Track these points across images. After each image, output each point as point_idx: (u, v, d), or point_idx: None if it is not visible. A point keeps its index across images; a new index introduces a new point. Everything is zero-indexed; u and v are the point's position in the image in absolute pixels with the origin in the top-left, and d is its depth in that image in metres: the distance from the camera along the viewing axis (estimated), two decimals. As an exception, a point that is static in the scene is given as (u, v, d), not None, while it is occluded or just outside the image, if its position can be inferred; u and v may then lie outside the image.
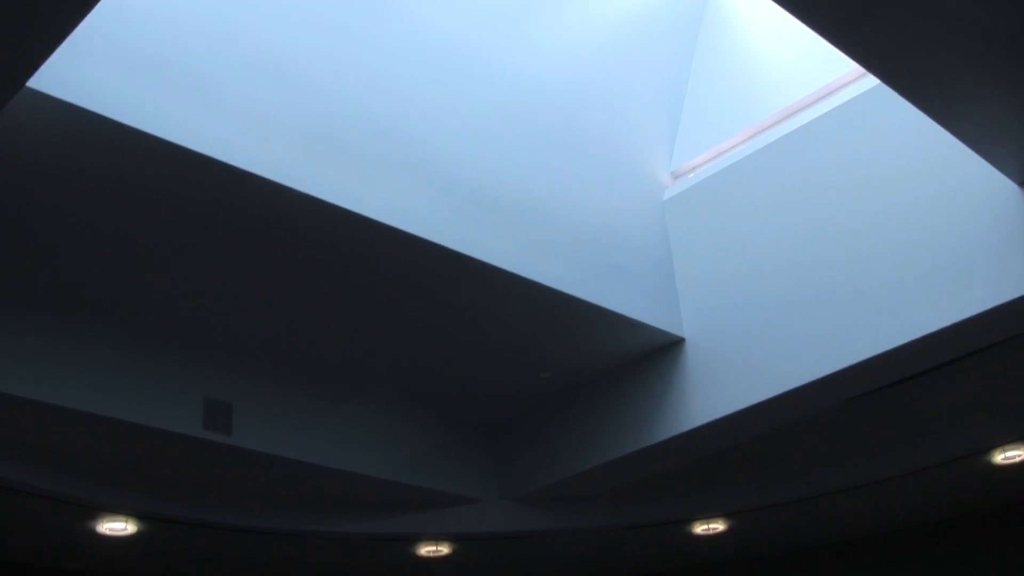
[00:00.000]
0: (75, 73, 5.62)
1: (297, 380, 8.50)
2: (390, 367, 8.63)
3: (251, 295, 7.53)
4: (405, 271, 7.40)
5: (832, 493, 9.40)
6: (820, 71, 8.13)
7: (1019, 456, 8.89)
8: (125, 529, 8.79)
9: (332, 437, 8.62)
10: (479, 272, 7.39)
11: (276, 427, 8.30)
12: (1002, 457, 8.89)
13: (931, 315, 6.95)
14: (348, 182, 6.73)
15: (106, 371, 7.50)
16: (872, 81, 7.41)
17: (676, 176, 8.90)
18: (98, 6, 5.02)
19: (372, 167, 6.89)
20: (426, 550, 9.71)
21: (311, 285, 7.48)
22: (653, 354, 8.53)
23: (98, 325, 7.48)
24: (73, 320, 7.34)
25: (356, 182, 6.77)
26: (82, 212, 6.46)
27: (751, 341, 7.95)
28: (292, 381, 8.48)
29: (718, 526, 9.90)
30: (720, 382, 8.07)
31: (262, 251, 7.05)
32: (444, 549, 9.72)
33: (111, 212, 6.49)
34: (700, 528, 9.91)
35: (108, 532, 8.82)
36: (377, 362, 8.55)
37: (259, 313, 7.74)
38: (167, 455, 8.12)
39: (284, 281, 7.42)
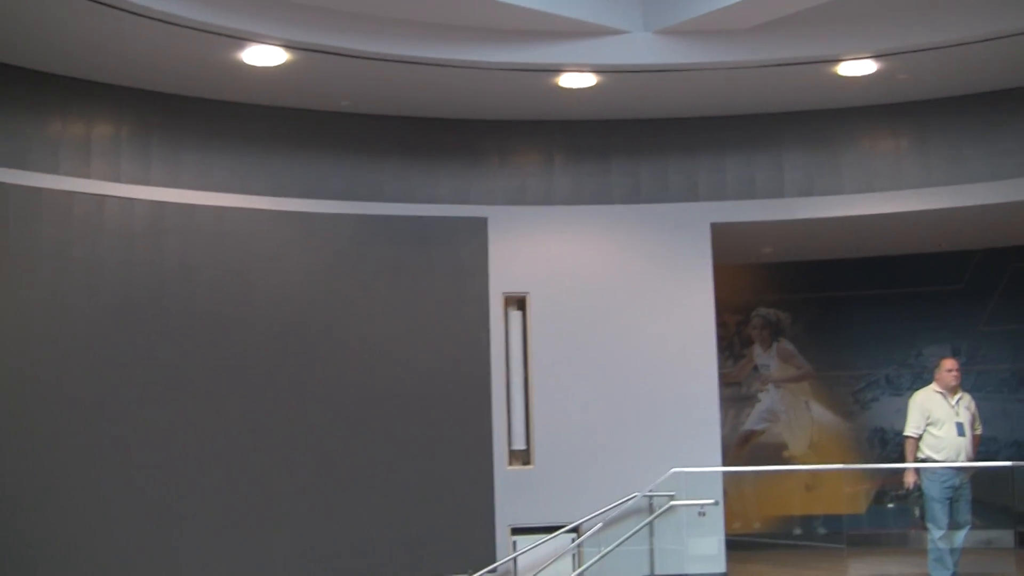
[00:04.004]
0: None
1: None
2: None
3: None
4: None
5: (989, 39, 9.08)
6: None
7: None
8: (274, 59, 8.99)
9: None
10: None
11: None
12: None
13: None
14: None
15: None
16: None
17: None
18: None
19: None
20: (570, 81, 9.76)
21: None
22: None
23: None
24: None
25: None
26: None
27: None
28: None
29: (866, 67, 9.69)
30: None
31: None
32: (588, 81, 9.75)
33: None
34: (847, 68, 9.72)
35: (257, 63, 9.04)
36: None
37: None
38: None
39: None
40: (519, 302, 10.81)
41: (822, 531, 13.14)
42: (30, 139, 9.13)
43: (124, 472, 9.23)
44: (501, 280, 10.70)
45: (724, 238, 11.03)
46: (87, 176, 9.36)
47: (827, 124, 10.90)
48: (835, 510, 12.87)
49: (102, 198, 9.40)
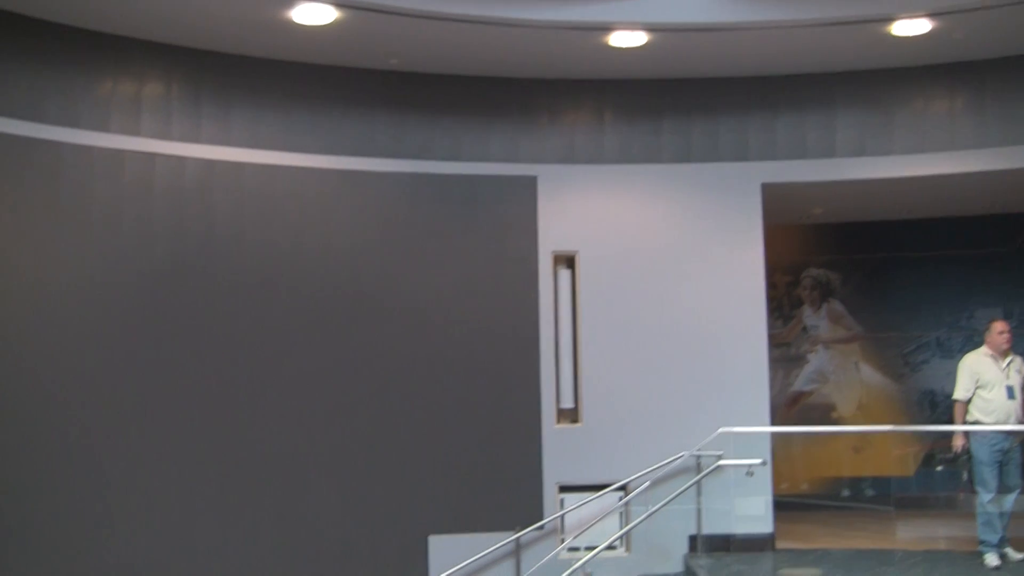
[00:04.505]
0: None
1: None
2: None
3: None
4: None
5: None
6: None
7: None
8: (323, 17, 8.98)
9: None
10: None
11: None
12: None
13: None
14: None
15: None
16: None
17: None
18: None
19: None
20: (620, 40, 9.69)
21: None
22: None
23: None
24: None
25: None
26: None
27: None
28: None
29: (920, 26, 9.54)
30: None
31: None
32: (639, 39, 9.68)
33: None
34: (901, 27, 9.57)
35: (306, 21, 9.04)
36: None
37: None
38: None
39: None
40: (568, 261, 10.80)
41: (870, 493, 13.12)
42: (81, 98, 9.20)
43: (175, 429, 9.36)
44: (550, 239, 10.68)
45: (775, 198, 10.95)
46: (137, 134, 9.44)
47: (880, 84, 10.75)
48: (883, 472, 12.85)
49: (152, 156, 9.47)
